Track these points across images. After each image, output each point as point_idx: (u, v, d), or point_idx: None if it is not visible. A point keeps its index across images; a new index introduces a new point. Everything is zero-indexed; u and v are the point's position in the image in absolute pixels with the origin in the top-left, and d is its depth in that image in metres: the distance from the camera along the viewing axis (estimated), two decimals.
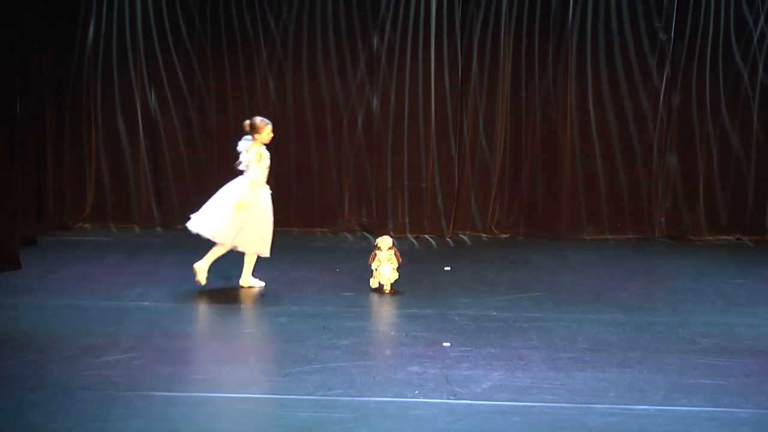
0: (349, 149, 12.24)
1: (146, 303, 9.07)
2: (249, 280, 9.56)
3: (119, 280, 9.81)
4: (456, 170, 12.25)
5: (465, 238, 12.23)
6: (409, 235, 12.20)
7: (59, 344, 7.82)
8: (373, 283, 9.61)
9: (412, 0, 12.02)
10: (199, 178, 12.28)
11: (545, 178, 12.24)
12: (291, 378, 7.24)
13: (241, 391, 6.97)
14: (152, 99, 12.23)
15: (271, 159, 9.42)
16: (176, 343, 7.93)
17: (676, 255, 11.53)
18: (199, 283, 9.36)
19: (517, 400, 6.85)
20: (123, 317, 8.61)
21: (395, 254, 9.53)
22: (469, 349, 7.91)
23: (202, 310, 8.87)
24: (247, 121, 9.42)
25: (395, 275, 9.55)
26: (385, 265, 9.51)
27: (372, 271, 9.60)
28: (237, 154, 9.36)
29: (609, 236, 12.27)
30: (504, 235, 12.27)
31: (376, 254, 9.54)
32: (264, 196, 9.44)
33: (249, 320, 8.65)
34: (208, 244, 9.37)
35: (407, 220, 12.28)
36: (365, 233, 12.23)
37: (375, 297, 9.48)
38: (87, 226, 12.28)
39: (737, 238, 12.22)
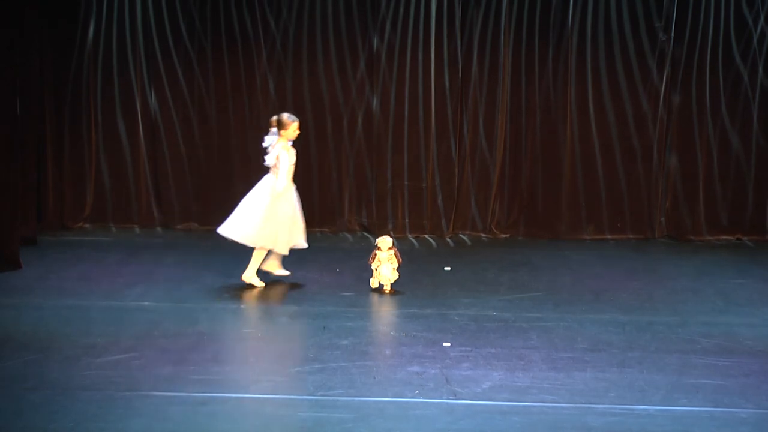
0: (349, 149, 12.24)
1: (146, 303, 9.07)
2: (251, 277, 9.57)
3: (119, 280, 9.81)
4: (456, 170, 12.25)
5: (465, 238, 12.23)
6: (409, 235, 12.20)
7: (59, 344, 7.81)
8: (373, 283, 9.61)
9: (412, 0, 12.02)
10: (198, 178, 12.30)
11: (545, 178, 12.24)
12: (291, 378, 7.24)
13: (241, 391, 6.97)
14: (152, 99, 12.23)
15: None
16: (176, 343, 7.93)
17: (676, 255, 11.53)
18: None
19: (517, 400, 6.85)
20: (123, 317, 8.61)
21: (395, 254, 9.53)
22: (469, 349, 7.91)
23: (202, 310, 8.87)
24: (274, 117, 9.50)
25: (395, 275, 9.55)
26: (385, 265, 9.51)
27: (372, 271, 9.60)
28: (263, 150, 9.45)
29: (609, 236, 12.27)
30: (504, 235, 12.27)
31: (376, 254, 9.54)
32: (289, 194, 9.49)
33: (249, 320, 8.64)
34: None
35: (407, 220, 12.28)
36: (365, 233, 12.23)
37: (375, 297, 9.48)
38: (87, 226, 12.28)
39: (737, 238, 12.22)
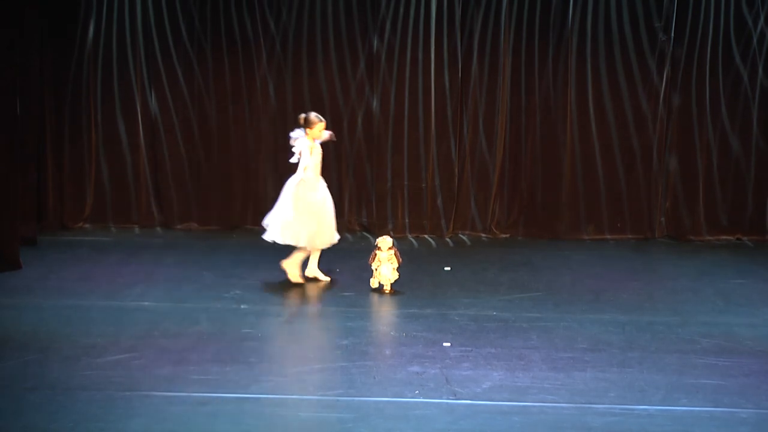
0: (349, 149, 12.24)
1: (146, 303, 9.07)
2: (314, 271, 9.78)
3: (119, 280, 9.81)
4: (456, 170, 12.25)
5: (465, 238, 12.23)
6: (409, 235, 12.20)
7: (59, 344, 7.82)
8: (373, 283, 9.61)
9: (412, 0, 12.02)
10: (198, 178, 12.29)
11: (545, 178, 12.24)
12: (291, 378, 7.24)
13: (241, 391, 6.97)
14: (152, 99, 12.23)
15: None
16: (176, 343, 7.93)
17: (676, 255, 11.54)
18: (297, 281, 9.70)
19: (517, 400, 6.85)
20: (123, 317, 8.61)
21: (395, 254, 9.53)
22: (469, 349, 7.91)
23: (202, 310, 8.87)
24: (303, 115, 9.71)
25: (395, 275, 9.56)
26: (385, 265, 9.52)
27: (372, 271, 9.61)
28: (289, 147, 9.71)
29: (609, 236, 12.27)
30: (504, 235, 12.27)
31: (376, 254, 9.55)
32: (319, 190, 9.65)
33: (249, 320, 8.64)
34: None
35: (407, 220, 12.29)
36: (365, 233, 12.23)
37: (375, 297, 9.48)
38: (87, 226, 12.28)
39: (737, 238, 12.22)
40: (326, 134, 9.82)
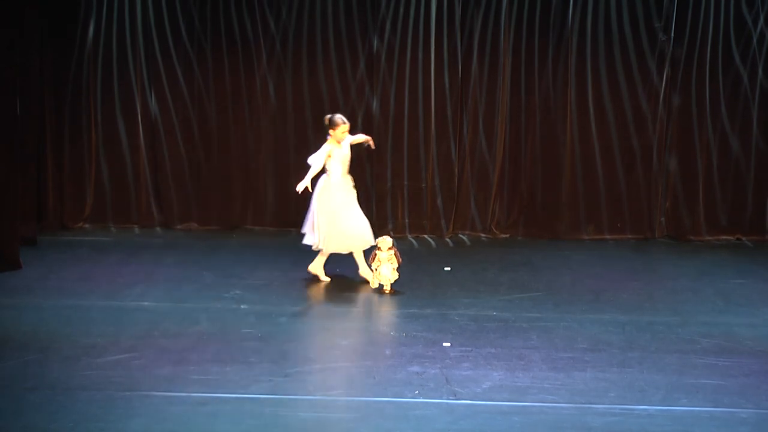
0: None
1: (146, 303, 9.07)
2: (366, 273, 9.77)
3: (119, 280, 9.81)
4: (456, 170, 12.25)
5: (464, 238, 12.22)
6: (409, 236, 12.20)
7: (59, 344, 7.82)
8: (373, 283, 9.61)
9: (412, 0, 12.02)
10: (198, 178, 12.29)
11: (545, 178, 12.24)
12: (291, 378, 7.24)
13: (241, 391, 6.97)
14: (152, 99, 12.23)
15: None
16: (176, 343, 7.94)
17: (676, 255, 11.54)
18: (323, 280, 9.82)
19: (517, 400, 6.86)
20: (123, 317, 8.61)
21: (395, 254, 9.53)
22: (469, 349, 7.91)
23: (202, 310, 8.87)
24: (328, 116, 9.82)
25: (395, 275, 9.56)
26: (385, 265, 9.52)
27: (372, 271, 9.61)
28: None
29: (609, 236, 12.26)
30: (504, 235, 12.26)
31: (376, 254, 9.55)
32: (340, 195, 9.68)
33: (249, 320, 8.64)
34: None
35: (407, 221, 12.28)
36: None
37: (375, 297, 9.48)
38: (87, 226, 12.27)
39: (737, 239, 12.22)
40: (362, 137, 10.02)
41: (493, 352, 7.86)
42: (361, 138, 10.14)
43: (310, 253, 10.04)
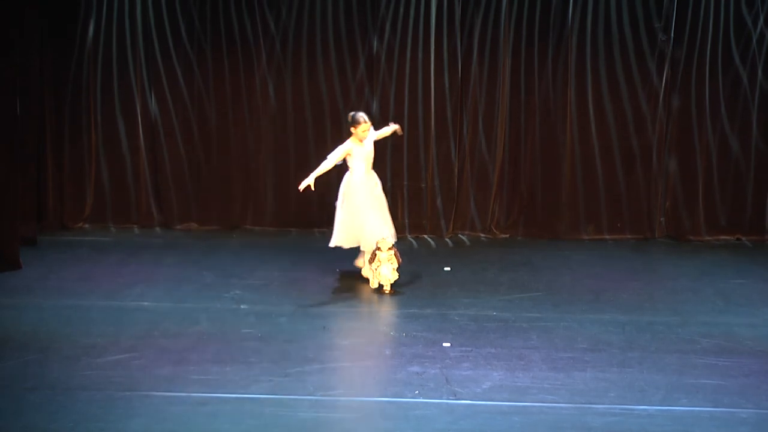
0: None
1: (146, 303, 9.08)
2: (367, 273, 9.80)
3: (119, 280, 9.81)
4: (455, 170, 12.25)
5: (464, 238, 12.22)
6: (409, 236, 12.20)
7: (59, 344, 7.82)
8: (373, 283, 9.61)
9: (412, 0, 12.02)
10: (198, 178, 12.29)
11: (545, 178, 12.24)
12: (291, 378, 7.24)
13: (241, 391, 6.97)
14: (152, 100, 12.23)
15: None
16: (176, 343, 7.94)
17: (676, 255, 11.54)
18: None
19: (517, 400, 6.86)
20: (123, 317, 8.61)
21: (395, 254, 9.53)
22: (469, 349, 7.91)
23: (202, 310, 8.87)
24: (351, 113, 9.85)
25: (395, 275, 9.56)
26: (385, 265, 9.52)
27: (372, 271, 9.60)
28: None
29: (608, 236, 12.27)
30: (503, 236, 12.26)
31: (376, 254, 9.55)
32: (370, 188, 9.76)
33: (249, 320, 8.64)
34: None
35: (407, 221, 12.28)
36: None
37: (375, 297, 9.48)
38: (87, 226, 12.27)
39: (737, 239, 12.22)
40: (388, 130, 10.14)
41: (493, 352, 7.86)
42: (387, 131, 10.14)
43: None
